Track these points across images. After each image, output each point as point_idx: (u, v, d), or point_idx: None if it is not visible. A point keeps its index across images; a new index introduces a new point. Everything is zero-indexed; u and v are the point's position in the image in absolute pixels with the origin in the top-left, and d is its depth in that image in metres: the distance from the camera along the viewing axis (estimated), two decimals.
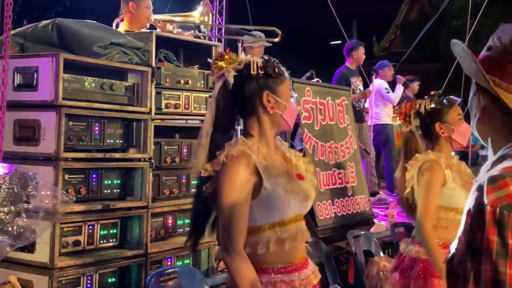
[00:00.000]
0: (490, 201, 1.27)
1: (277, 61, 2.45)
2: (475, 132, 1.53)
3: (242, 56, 2.43)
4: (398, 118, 3.62)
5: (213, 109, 2.38)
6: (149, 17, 5.13)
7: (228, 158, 2.29)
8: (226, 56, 2.39)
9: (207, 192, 2.37)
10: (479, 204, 1.29)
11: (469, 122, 1.65)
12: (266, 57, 2.43)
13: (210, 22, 5.32)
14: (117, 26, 5.18)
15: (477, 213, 1.29)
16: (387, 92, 8.75)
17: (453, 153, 3.46)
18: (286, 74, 2.46)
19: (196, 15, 5.43)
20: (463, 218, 1.34)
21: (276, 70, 2.40)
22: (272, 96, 2.38)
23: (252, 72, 2.36)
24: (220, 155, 2.31)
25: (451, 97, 3.55)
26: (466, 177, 3.37)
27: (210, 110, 2.41)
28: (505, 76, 1.40)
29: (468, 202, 1.33)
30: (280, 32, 5.60)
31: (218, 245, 2.68)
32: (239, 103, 2.41)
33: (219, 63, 2.39)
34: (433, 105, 3.38)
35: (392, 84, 9.08)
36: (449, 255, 1.38)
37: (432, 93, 3.50)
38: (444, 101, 3.40)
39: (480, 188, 1.31)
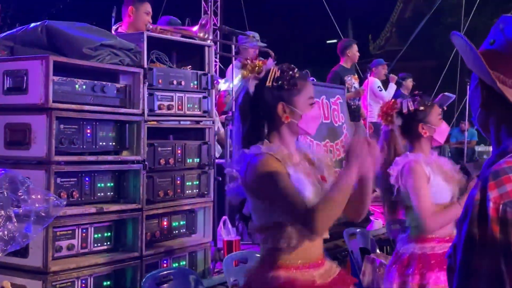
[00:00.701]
0: (493, 197, 1.26)
1: (295, 70, 2.49)
2: (477, 125, 1.51)
3: (268, 62, 2.50)
4: (379, 116, 3.66)
5: (237, 116, 2.52)
6: (147, 24, 5.10)
7: (255, 157, 2.37)
8: (248, 65, 2.47)
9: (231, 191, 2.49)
10: (481, 200, 1.27)
11: (458, 118, 1.62)
12: (284, 67, 2.49)
13: (209, 36, 5.30)
14: (116, 31, 5.15)
15: (479, 209, 1.27)
16: (380, 90, 8.84)
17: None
18: (305, 82, 2.51)
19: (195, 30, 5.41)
20: (462, 212, 1.32)
21: (291, 81, 2.45)
22: (287, 106, 2.45)
23: (267, 83, 2.45)
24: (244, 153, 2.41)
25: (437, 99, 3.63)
26: (448, 171, 3.41)
27: (236, 117, 2.54)
28: (510, 72, 1.37)
29: (470, 195, 1.31)
30: (272, 54, 5.60)
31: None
32: (259, 111, 2.49)
33: (243, 72, 2.52)
34: (416, 106, 3.43)
35: (386, 83, 9.15)
36: (449, 249, 1.36)
37: (415, 93, 3.58)
38: (426, 102, 3.47)
39: (482, 183, 1.29)
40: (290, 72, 2.47)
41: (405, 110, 3.44)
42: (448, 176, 3.39)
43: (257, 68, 2.50)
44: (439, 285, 3.18)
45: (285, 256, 2.39)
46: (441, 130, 3.47)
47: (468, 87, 9.60)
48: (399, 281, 3.31)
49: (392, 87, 9.06)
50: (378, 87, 8.85)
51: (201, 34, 4.81)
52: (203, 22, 5.09)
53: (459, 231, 1.31)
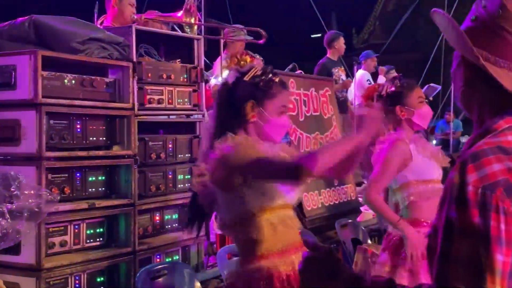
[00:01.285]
0: (473, 181, 1.23)
1: (276, 75, 2.51)
2: (460, 103, 1.48)
3: (255, 60, 2.51)
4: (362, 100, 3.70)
5: (214, 104, 2.54)
6: (132, 15, 5.06)
7: (223, 147, 2.37)
8: (234, 57, 2.48)
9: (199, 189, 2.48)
10: (460, 183, 1.25)
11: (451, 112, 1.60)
12: (267, 69, 2.51)
13: (195, 21, 5.25)
14: (101, 24, 5.11)
15: (458, 192, 1.25)
16: (369, 83, 8.78)
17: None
18: (282, 89, 2.51)
19: (180, 15, 5.37)
20: (442, 194, 1.30)
21: (268, 84, 2.47)
22: (257, 106, 2.46)
23: (245, 78, 2.47)
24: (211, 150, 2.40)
25: (412, 80, 3.63)
26: (431, 150, 3.45)
27: (214, 107, 2.56)
28: (493, 49, 1.35)
29: (449, 177, 1.29)
30: (264, 33, 5.53)
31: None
32: (231, 103, 2.50)
33: (227, 61, 2.52)
34: (393, 88, 3.43)
35: (374, 76, 9.16)
36: (430, 229, 1.35)
37: (393, 76, 3.58)
38: (405, 84, 3.45)
39: (461, 165, 1.27)
40: (270, 75, 2.49)
41: (383, 92, 3.46)
42: (431, 154, 3.41)
43: (242, 62, 2.52)
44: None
45: (262, 245, 2.39)
46: (421, 113, 3.42)
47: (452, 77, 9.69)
48: (390, 265, 3.31)
49: (382, 79, 9.03)
50: (367, 80, 8.84)
51: (188, 19, 4.77)
52: (187, 7, 5.05)
53: (439, 213, 1.29)
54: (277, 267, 2.37)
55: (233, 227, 2.45)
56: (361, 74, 8.85)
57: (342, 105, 7.81)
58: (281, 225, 2.41)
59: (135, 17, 4.95)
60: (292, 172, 2.29)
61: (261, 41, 5.50)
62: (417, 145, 3.37)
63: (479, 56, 1.34)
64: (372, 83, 8.83)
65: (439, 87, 9.47)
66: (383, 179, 3.30)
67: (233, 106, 2.49)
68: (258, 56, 6.64)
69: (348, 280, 1.46)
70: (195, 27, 5.32)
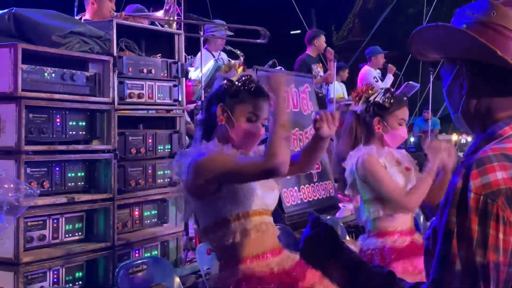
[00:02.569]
0: (475, 187, 1.24)
1: (249, 82, 2.51)
2: (459, 116, 1.45)
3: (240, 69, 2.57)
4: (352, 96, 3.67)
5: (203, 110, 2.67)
6: (112, 11, 5.03)
7: (196, 153, 2.43)
8: (226, 65, 2.62)
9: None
10: (462, 188, 1.25)
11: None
12: (244, 76, 2.53)
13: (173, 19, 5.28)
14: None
15: (460, 197, 1.25)
16: (376, 81, 8.49)
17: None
18: (253, 97, 2.51)
19: (160, 15, 5.37)
20: (444, 197, 1.30)
21: (236, 88, 2.50)
22: (226, 110, 2.49)
23: (223, 82, 2.54)
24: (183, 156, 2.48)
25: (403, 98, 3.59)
26: (404, 163, 3.42)
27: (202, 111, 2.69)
28: (497, 47, 1.34)
29: (452, 181, 1.29)
30: (265, 32, 5.43)
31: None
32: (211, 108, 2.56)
33: (222, 68, 2.65)
34: (381, 100, 3.36)
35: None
36: (428, 231, 1.36)
37: (390, 89, 3.55)
38: (393, 101, 3.36)
39: (466, 170, 1.27)
40: (244, 80, 2.52)
41: (371, 97, 3.39)
42: (401, 167, 3.37)
43: (228, 67, 2.58)
44: (403, 273, 3.20)
45: (236, 250, 2.43)
46: (395, 134, 3.36)
47: (431, 75, 9.68)
48: None
49: (390, 78, 8.76)
50: (374, 77, 8.57)
51: (167, 18, 4.78)
52: (167, 8, 5.07)
53: (440, 216, 1.29)
54: (253, 269, 2.40)
55: (208, 233, 2.48)
56: (366, 70, 8.67)
57: (321, 101, 7.82)
58: (255, 231, 2.43)
59: (115, 13, 4.93)
60: (266, 172, 2.33)
61: (263, 41, 5.37)
62: (387, 158, 3.34)
63: (505, 57, 1.32)
64: (380, 81, 8.59)
65: (418, 85, 9.45)
66: (393, 184, 3.25)
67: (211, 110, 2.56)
68: (239, 52, 6.65)
69: (349, 263, 1.48)
70: (174, 24, 5.32)
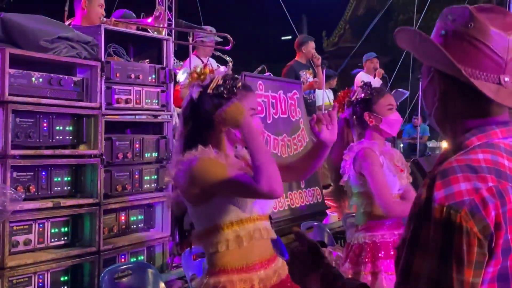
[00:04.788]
0: (439, 198, 1.23)
1: (237, 80, 2.48)
2: (432, 119, 1.47)
3: (217, 71, 2.50)
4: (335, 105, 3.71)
5: (180, 121, 2.51)
6: (101, 17, 5.04)
7: (191, 159, 2.36)
8: (194, 73, 2.49)
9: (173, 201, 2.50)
10: (427, 199, 1.25)
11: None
12: (228, 76, 2.48)
13: (164, 25, 5.30)
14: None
15: (424, 208, 1.25)
16: None
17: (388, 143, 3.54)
18: (246, 92, 2.49)
19: (150, 21, 5.39)
20: (411, 209, 1.30)
21: (231, 90, 2.44)
22: (226, 115, 2.43)
23: (208, 91, 2.44)
24: (180, 162, 2.40)
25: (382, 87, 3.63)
26: (398, 163, 3.46)
27: (180, 122, 2.53)
28: (468, 61, 1.35)
29: (418, 192, 1.29)
30: (231, 40, 5.64)
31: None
32: (200, 118, 2.48)
33: (189, 79, 2.50)
34: (363, 95, 3.44)
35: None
36: (400, 241, 1.37)
37: (363, 83, 3.59)
38: (374, 91, 3.45)
39: (430, 181, 1.27)
40: (232, 82, 2.47)
41: (353, 98, 3.46)
42: (397, 169, 3.41)
43: (202, 76, 2.50)
44: (389, 272, 3.24)
45: (225, 259, 2.40)
46: (389, 121, 3.41)
47: (420, 83, 9.74)
48: (352, 272, 3.36)
49: (378, 81, 8.79)
50: (362, 81, 8.69)
51: (157, 25, 4.80)
52: (157, 14, 5.08)
53: (407, 227, 1.29)
54: (233, 283, 2.37)
55: (201, 239, 2.46)
56: (358, 76, 8.73)
57: (310, 107, 7.84)
58: (248, 239, 2.41)
59: (104, 19, 4.94)
60: (262, 196, 2.32)
61: (227, 47, 5.57)
62: (385, 157, 3.38)
63: (461, 69, 1.34)
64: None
65: (407, 93, 9.47)
66: (383, 187, 3.25)
67: (202, 121, 2.48)
68: (228, 58, 6.67)
69: (326, 275, 1.50)
70: (163, 31, 5.34)
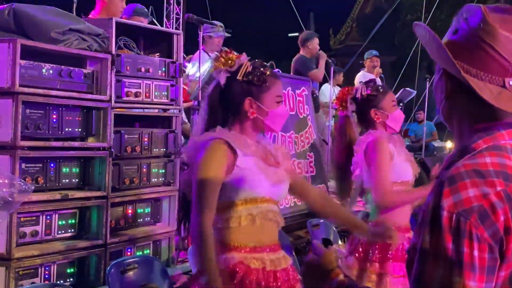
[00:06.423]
0: (447, 206, 1.23)
1: (267, 68, 2.52)
2: (440, 116, 1.47)
3: (242, 57, 2.53)
4: (335, 103, 3.73)
5: (205, 105, 2.55)
6: (121, 10, 5.03)
7: (205, 143, 2.41)
8: (221, 57, 2.53)
9: (183, 178, 2.54)
10: (435, 207, 1.24)
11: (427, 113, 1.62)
12: (257, 64, 2.52)
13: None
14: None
15: (432, 215, 1.24)
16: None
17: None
18: (275, 80, 2.53)
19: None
20: (420, 217, 1.29)
21: (262, 78, 2.48)
22: (254, 102, 2.49)
23: (238, 77, 2.48)
24: (197, 141, 2.45)
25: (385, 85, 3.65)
26: (405, 152, 3.49)
27: (203, 107, 2.58)
28: (474, 61, 1.35)
29: (427, 199, 1.28)
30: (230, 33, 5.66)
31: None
32: (227, 103, 2.53)
33: (216, 63, 2.54)
34: (368, 92, 3.45)
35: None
36: (410, 245, 1.36)
37: (368, 80, 3.60)
38: (379, 88, 3.48)
39: (438, 189, 1.26)
40: (261, 69, 2.50)
41: (358, 95, 3.47)
42: (408, 155, 3.45)
43: (230, 61, 2.53)
44: (396, 275, 3.22)
45: (236, 237, 2.43)
46: (394, 117, 3.45)
47: (427, 82, 9.72)
48: (358, 268, 3.34)
49: (377, 81, 8.86)
50: (360, 82, 8.71)
51: None
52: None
53: (418, 234, 1.29)
54: (247, 260, 2.40)
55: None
56: (360, 75, 8.72)
57: (314, 104, 7.82)
58: (260, 217, 2.43)
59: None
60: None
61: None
62: (395, 145, 3.39)
63: (460, 69, 1.34)
64: None
65: (414, 92, 9.46)
66: (385, 178, 3.25)
67: (229, 106, 2.52)
68: (235, 53, 6.66)
69: (336, 285, 1.51)
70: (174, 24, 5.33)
